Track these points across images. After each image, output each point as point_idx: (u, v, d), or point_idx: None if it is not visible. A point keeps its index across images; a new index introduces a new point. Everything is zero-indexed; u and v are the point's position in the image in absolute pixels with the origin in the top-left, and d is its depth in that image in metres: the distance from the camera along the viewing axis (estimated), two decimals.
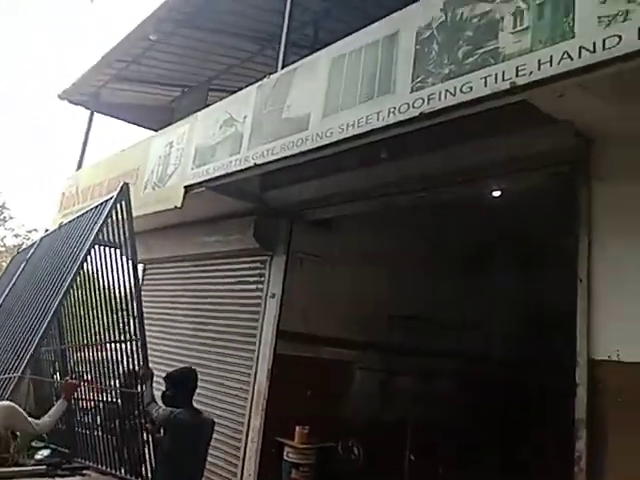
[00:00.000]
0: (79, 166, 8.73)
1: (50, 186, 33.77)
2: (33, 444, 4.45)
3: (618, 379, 3.16)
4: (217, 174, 4.85)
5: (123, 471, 4.15)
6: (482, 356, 7.31)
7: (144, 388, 4.05)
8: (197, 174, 5.16)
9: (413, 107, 3.34)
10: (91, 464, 4.28)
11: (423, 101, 3.27)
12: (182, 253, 7.39)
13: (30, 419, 3.71)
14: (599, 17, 2.63)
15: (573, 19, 2.74)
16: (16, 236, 22.22)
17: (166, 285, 7.93)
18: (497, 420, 7.09)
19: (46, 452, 4.43)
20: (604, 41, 2.58)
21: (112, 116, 9.70)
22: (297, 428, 5.40)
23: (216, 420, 4.15)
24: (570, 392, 3.34)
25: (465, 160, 4.14)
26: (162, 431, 3.75)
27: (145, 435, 4.11)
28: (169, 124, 6.69)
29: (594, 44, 2.61)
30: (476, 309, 7.21)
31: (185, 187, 5.23)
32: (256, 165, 4.42)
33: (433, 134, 3.74)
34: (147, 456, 4.07)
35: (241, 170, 4.58)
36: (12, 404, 3.63)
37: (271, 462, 5.46)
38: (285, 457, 5.38)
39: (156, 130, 7.44)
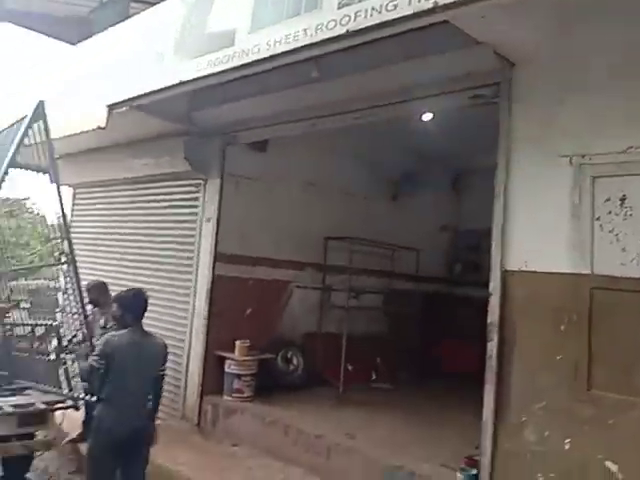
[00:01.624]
0: None
1: None
2: None
3: (526, 288, 3.48)
4: (141, 92, 4.62)
5: (65, 390, 4.16)
6: (413, 274, 7.76)
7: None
8: (120, 92, 4.89)
9: (340, 24, 3.25)
10: (32, 384, 4.28)
11: (350, 18, 3.20)
12: (113, 177, 7.15)
13: None
14: None
15: None
16: None
17: (99, 209, 7.72)
18: (424, 328, 7.74)
19: None
20: None
21: (21, 25, 8.77)
22: (237, 342, 5.64)
23: None
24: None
25: (393, 82, 4.15)
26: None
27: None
28: (88, 37, 6.19)
29: None
30: (407, 231, 7.53)
31: (108, 106, 4.95)
32: (181, 82, 4.23)
33: (362, 54, 3.72)
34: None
35: (166, 88, 4.38)
36: None
37: (214, 375, 5.73)
38: (227, 369, 5.65)
39: (74, 44, 6.87)
